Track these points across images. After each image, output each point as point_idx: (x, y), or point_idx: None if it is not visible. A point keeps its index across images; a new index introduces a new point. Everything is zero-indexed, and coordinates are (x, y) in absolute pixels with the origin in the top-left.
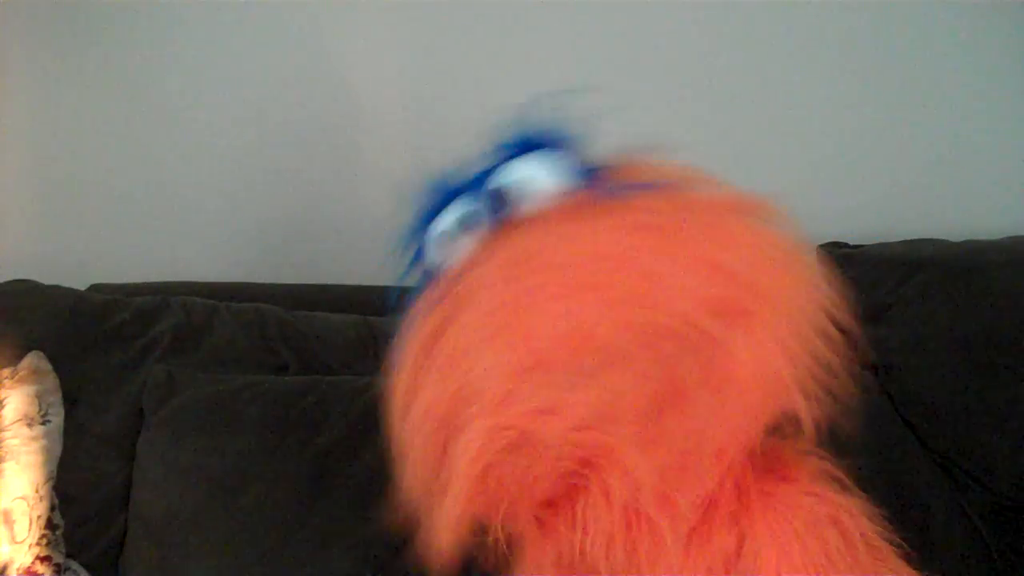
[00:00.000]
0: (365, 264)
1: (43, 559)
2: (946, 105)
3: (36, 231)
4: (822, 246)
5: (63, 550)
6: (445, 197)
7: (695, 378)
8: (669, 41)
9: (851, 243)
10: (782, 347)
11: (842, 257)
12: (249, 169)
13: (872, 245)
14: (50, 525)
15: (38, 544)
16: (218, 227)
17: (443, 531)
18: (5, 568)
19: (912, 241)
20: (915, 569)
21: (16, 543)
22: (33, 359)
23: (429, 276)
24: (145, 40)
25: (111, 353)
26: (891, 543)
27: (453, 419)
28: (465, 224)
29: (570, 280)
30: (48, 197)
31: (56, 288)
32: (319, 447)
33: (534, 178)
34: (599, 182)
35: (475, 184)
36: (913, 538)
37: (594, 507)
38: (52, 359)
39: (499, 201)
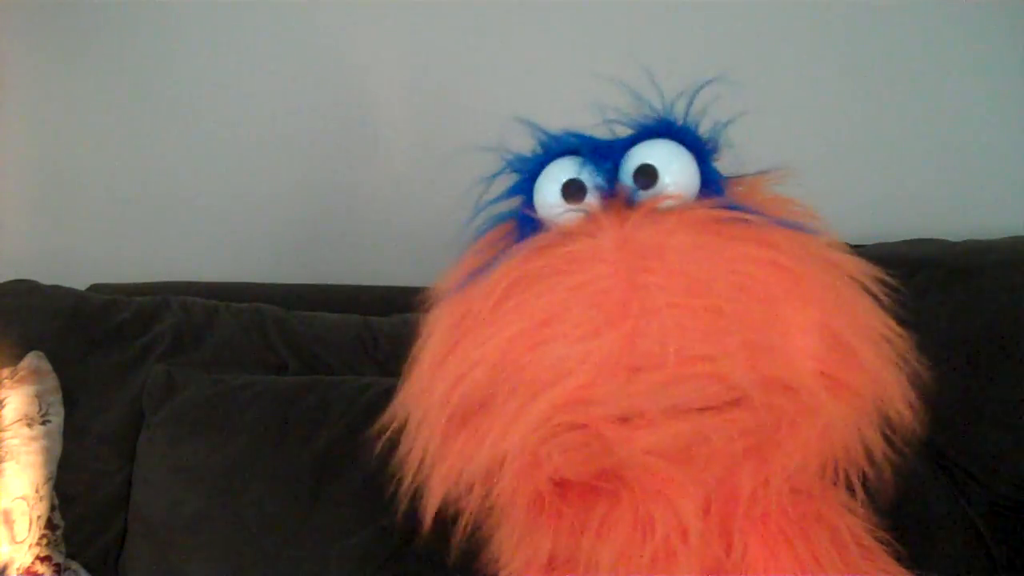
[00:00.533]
0: (365, 264)
1: (43, 559)
2: (946, 105)
3: (36, 231)
4: None
5: (63, 550)
6: (565, 148)
7: (775, 439)
8: (667, 40)
9: (851, 243)
10: (846, 436)
11: None
12: (249, 169)
13: (872, 245)
14: (50, 525)
15: (38, 544)
16: (218, 227)
17: (440, 489)
18: (5, 568)
19: (912, 241)
20: (906, 567)
21: (16, 543)
22: (33, 359)
23: (523, 221)
24: (145, 40)
25: (111, 353)
26: (881, 541)
27: (514, 373)
28: (583, 187)
29: (694, 296)
30: (48, 197)
31: (56, 288)
32: (319, 447)
33: (666, 166)
34: (728, 196)
35: (602, 150)
36: (913, 538)
37: (616, 528)
38: (52, 359)
39: (626, 177)
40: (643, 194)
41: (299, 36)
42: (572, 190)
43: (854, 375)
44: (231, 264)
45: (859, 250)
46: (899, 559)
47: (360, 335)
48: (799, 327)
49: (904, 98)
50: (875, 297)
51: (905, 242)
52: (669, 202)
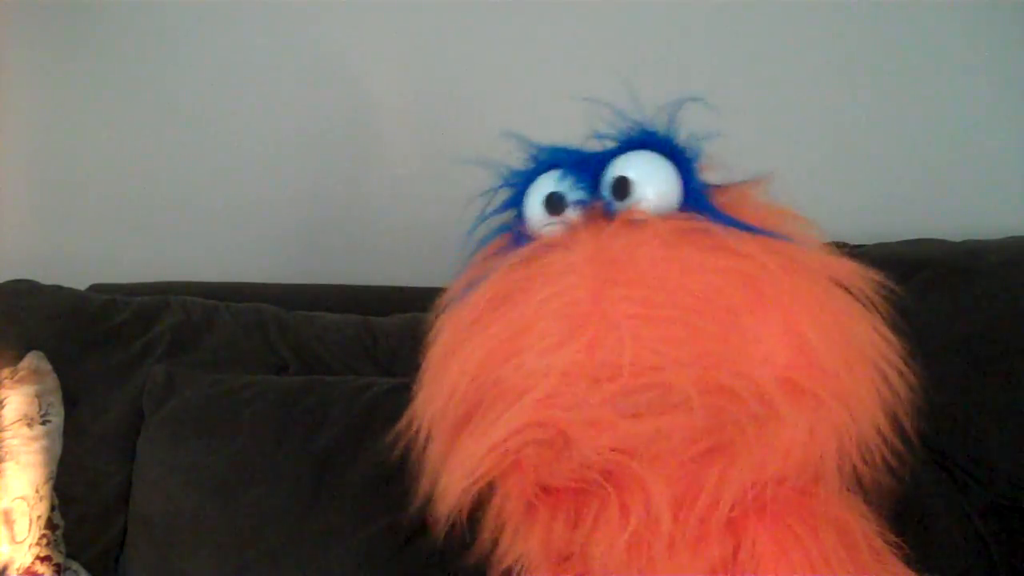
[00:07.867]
0: (365, 264)
1: (43, 559)
2: (946, 105)
3: (36, 231)
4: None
5: (63, 550)
6: (551, 162)
7: (744, 439)
8: (668, 41)
9: (851, 243)
10: (838, 438)
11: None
12: (250, 169)
13: (872, 245)
14: (50, 525)
15: (38, 544)
16: (218, 227)
17: (449, 492)
18: (5, 568)
19: (912, 241)
20: (914, 571)
21: (16, 543)
22: (33, 359)
23: (516, 234)
24: (145, 40)
25: (111, 353)
26: (890, 544)
27: (493, 384)
28: (564, 199)
29: (656, 307)
30: (48, 197)
31: (56, 288)
32: (319, 447)
33: (644, 178)
34: (704, 203)
35: (584, 163)
36: (913, 538)
37: (607, 521)
38: (52, 359)
39: (605, 189)
40: (619, 205)
41: (299, 36)
42: (553, 202)
43: (818, 381)
44: (231, 264)
45: (859, 250)
46: (908, 563)
47: (360, 335)
48: (760, 335)
49: (904, 98)
50: (868, 301)
51: (905, 242)
52: (642, 213)
